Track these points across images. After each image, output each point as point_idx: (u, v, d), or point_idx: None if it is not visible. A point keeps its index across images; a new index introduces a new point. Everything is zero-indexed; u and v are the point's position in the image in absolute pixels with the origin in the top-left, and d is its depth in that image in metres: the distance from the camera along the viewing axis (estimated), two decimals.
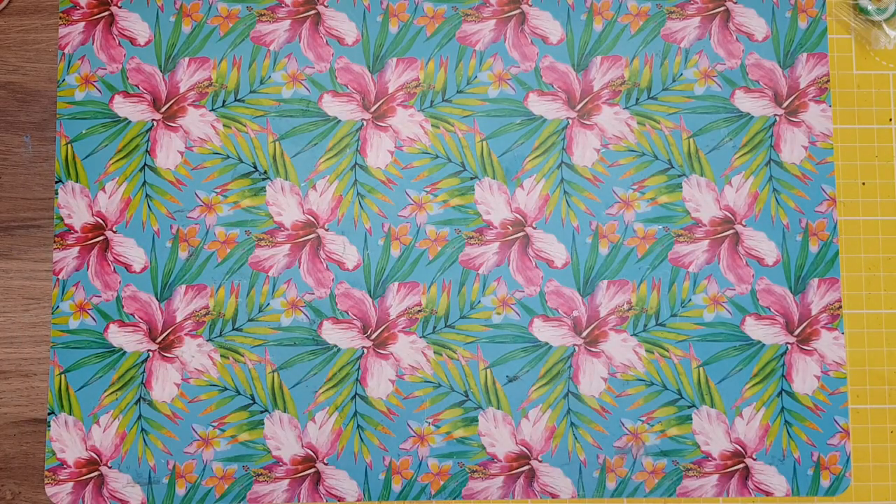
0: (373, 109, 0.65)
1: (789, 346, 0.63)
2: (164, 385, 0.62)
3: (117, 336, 0.62)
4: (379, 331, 0.63)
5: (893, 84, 0.66)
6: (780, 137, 0.65)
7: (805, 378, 0.63)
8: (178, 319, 0.63)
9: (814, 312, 0.63)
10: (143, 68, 0.65)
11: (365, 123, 0.64)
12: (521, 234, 0.64)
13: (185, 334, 0.62)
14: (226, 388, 0.62)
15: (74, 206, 0.63)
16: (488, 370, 0.63)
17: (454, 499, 0.62)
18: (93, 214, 0.63)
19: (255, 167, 0.64)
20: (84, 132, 0.64)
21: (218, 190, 0.64)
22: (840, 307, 0.63)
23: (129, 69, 0.65)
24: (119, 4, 0.65)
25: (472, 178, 0.64)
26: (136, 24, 0.65)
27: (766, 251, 0.64)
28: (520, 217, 0.64)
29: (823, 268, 0.64)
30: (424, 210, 0.64)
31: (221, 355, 0.62)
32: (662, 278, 0.63)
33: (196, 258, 0.63)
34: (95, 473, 0.61)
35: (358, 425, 0.62)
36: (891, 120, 0.66)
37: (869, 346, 0.64)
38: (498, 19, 0.66)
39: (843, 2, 0.67)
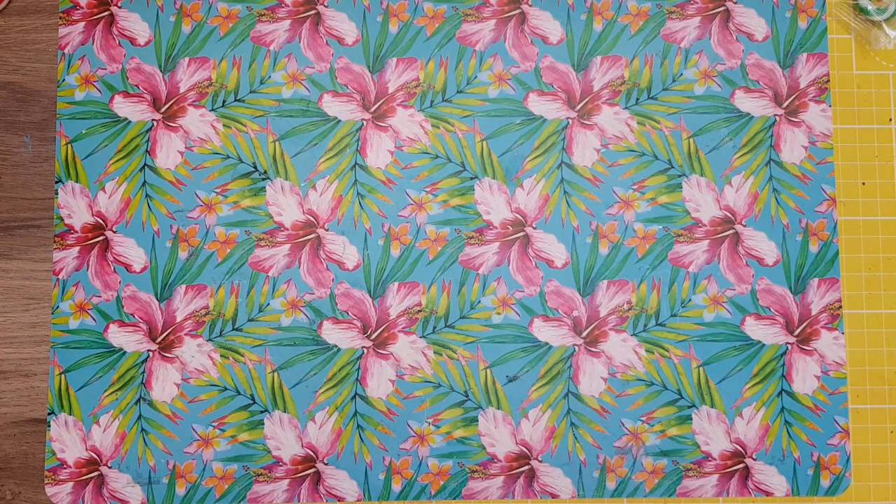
0: (373, 109, 0.65)
1: (789, 346, 0.63)
2: (164, 385, 0.62)
3: (117, 336, 0.62)
4: (379, 331, 0.63)
5: (893, 84, 0.66)
6: (780, 137, 0.65)
7: (805, 378, 0.63)
8: (178, 319, 0.63)
9: (814, 312, 0.63)
10: (143, 68, 0.65)
11: (365, 123, 0.64)
12: (521, 234, 0.64)
13: (185, 334, 0.62)
14: (226, 388, 0.62)
15: (74, 206, 0.63)
16: (488, 370, 0.63)
17: (454, 499, 0.62)
18: (93, 214, 0.63)
19: (255, 167, 0.64)
20: (84, 132, 0.64)
21: (218, 190, 0.64)
22: (840, 307, 0.63)
23: (129, 69, 0.65)
24: (119, 4, 0.65)
25: (472, 178, 0.64)
26: (136, 24, 0.65)
27: (766, 251, 0.64)
28: (520, 217, 0.64)
29: (823, 268, 0.64)
30: (424, 210, 0.64)
31: (221, 355, 0.62)
32: (662, 278, 0.63)
33: (196, 258, 0.63)
34: (95, 473, 0.61)
35: (358, 425, 0.62)
36: (891, 120, 0.66)
37: (869, 346, 0.64)
38: (498, 19, 0.66)
39: (843, 2, 0.67)
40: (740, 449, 0.62)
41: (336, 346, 0.63)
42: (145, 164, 0.64)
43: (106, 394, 0.62)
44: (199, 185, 0.64)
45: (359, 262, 0.63)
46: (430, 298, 0.63)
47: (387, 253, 0.63)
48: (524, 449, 0.62)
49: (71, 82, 0.64)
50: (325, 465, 0.62)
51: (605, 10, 0.66)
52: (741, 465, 0.62)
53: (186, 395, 0.62)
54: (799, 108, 0.65)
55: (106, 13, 0.65)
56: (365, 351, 0.63)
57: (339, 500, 0.62)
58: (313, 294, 0.63)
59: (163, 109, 0.64)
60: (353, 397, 0.62)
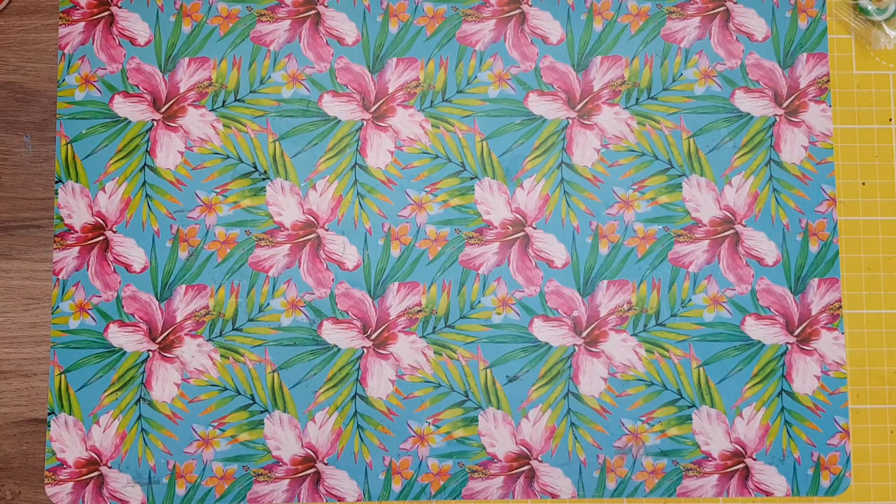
0: (373, 109, 0.65)
1: (789, 346, 0.63)
2: (164, 385, 0.62)
3: (117, 336, 0.62)
4: (379, 331, 0.63)
5: (893, 84, 0.66)
6: (780, 137, 0.65)
7: (805, 378, 0.63)
8: (178, 319, 0.63)
9: (814, 312, 0.63)
10: (143, 68, 0.65)
11: (365, 123, 0.64)
12: (521, 234, 0.64)
13: (185, 334, 0.62)
14: (226, 388, 0.62)
15: (74, 206, 0.63)
16: (488, 370, 0.63)
17: (454, 499, 0.62)
18: (93, 214, 0.63)
19: (255, 167, 0.64)
20: (84, 132, 0.64)
21: (218, 190, 0.64)
22: (840, 307, 0.63)
23: (129, 69, 0.65)
24: (119, 4, 0.65)
25: (472, 178, 0.64)
26: (136, 24, 0.65)
27: (766, 251, 0.64)
28: (520, 217, 0.64)
29: (823, 268, 0.64)
30: (424, 210, 0.64)
31: (221, 355, 0.62)
32: (662, 278, 0.63)
33: (196, 258, 0.63)
34: (95, 473, 0.61)
35: (358, 425, 0.62)
36: (891, 120, 0.66)
37: (869, 346, 0.64)
38: (498, 19, 0.66)
39: (843, 2, 0.67)
40: (740, 449, 0.62)
41: (336, 346, 0.63)
42: (145, 164, 0.64)
43: (106, 394, 0.62)
44: (199, 185, 0.64)
45: (359, 262, 0.63)
46: (430, 298, 0.63)
47: (387, 253, 0.63)
48: (524, 449, 0.62)
49: (71, 82, 0.64)
50: (325, 465, 0.62)
51: (605, 10, 0.66)
52: (741, 465, 0.62)
53: (186, 395, 0.62)
54: (799, 108, 0.65)
55: (106, 13, 0.65)
56: (365, 351, 0.63)
57: (339, 500, 0.62)
58: (313, 294, 0.63)
59: (163, 109, 0.64)
60: (353, 397, 0.62)
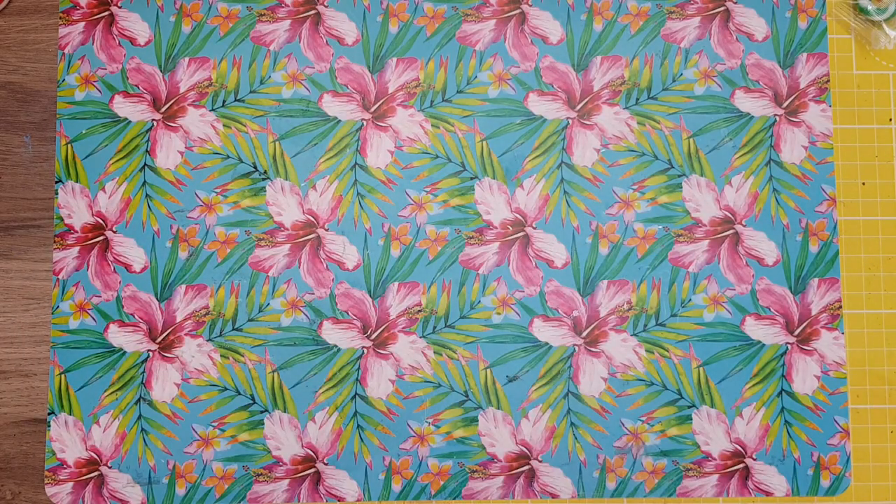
0: (373, 109, 0.65)
1: (789, 346, 0.63)
2: (164, 385, 0.62)
3: (117, 336, 0.62)
4: (379, 331, 0.63)
5: (893, 84, 0.66)
6: (780, 137, 0.65)
7: (805, 378, 0.63)
8: (178, 319, 0.63)
9: (814, 312, 0.63)
10: (143, 68, 0.65)
11: (365, 123, 0.64)
12: (521, 234, 0.64)
13: (185, 334, 0.62)
14: (226, 388, 0.62)
15: (74, 206, 0.63)
16: (488, 370, 0.63)
17: (454, 499, 0.62)
18: (93, 214, 0.63)
19: (255, 167, 0.64)
20: (84, 132, 0.64)
21: (218, 190, 0.64)
22: (840, 307, 0.63)
23: (129, 69, 0.65)
24: (119, 4, 0.65)
25: (472, 178, 0.64)
26: (136, 24, 0.65)
27: (766, 251, 0.64)
28: (520, 217, 0.64)
29: (823, 268, 0.64)
30: (424, 210, 0.64)
31: (221, 355, 0.62)
32: (662, 278, 0.63)
33: (196, 258, 0.63)
34: (95, 473, 0.61)
35: (358, 425, 0.62)
36: (891, 120, 0.66)
37: (869, 346, 0.64)
38: (498, 19, 0.66)
39: (843, 2, 0.67)
40: (740, 449, 0.62)
41: (336, 346, 0.63)
42: (145, 164, 0.64)
43: (106, 394, 0.62)
44: (199, 185, 0.64)
45: (359, 262, 0.63)
46: (430, 298, 0.63)
47: (387, 253, 0.63)
48: (524, 449, 0.62)
49: (71, 82, 0.64)
50: (325, 465, 0.62)
51: (605, 10, 0.66)
52: (741, 465, 0.62)
53: (186, 395, 0.62)
54: (799, 108, 0.65)
55: (106, 13, 0.65)
56: (365, 351, 0.63)
57: (339, 500, 0.62)
58: (313, 294, 0.63)
59: (163, 109, 0.64)
60: (353, 397, 0.62)
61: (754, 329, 0.63)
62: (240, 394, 0.62)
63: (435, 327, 0.63)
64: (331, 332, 0.63)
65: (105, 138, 0.64)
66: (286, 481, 0.62)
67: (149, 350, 0.62)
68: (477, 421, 0.62)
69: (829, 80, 0.65)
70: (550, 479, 0.62)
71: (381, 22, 0.65)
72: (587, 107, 0.65)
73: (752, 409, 0.63)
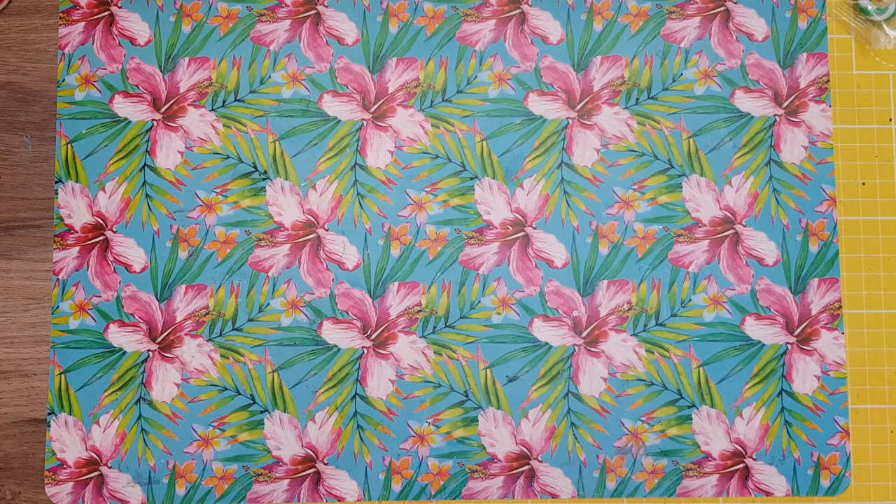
0: (373, 109, 0.65)
1: (789, 346, 0.63)
2: (164, 385, 0.62)
3: (117, 336, 0.62)
4: (379, 331, 0.63)
5: (893, 84, 0.66)
6: (780, 137, 0.65)
7: (805, 378, 0.63)
8: (178, 319, 0.63)
9: (814, 312, 0.63)
10: (143, 68, 0.65)
11: (365, 123, 0.64)
12: (521, 234, 0.64)
13: (185, 334, 0.62)
14: (226, 388, 0.62)
15: (74, 206, 0.63)
16: (488, 370, 0.63)
17: (454, 499, 0.62)
18: (93, 214, 0.63)
19: (255, 167, 0.64)
20: (84, 132, 0.64)
21: (218, 190, 0.64)
22: (840, 307, 0.63)
23: (129, 69, 0.65)
24: (119, 4, 0.65)
25: (472, 178, 0.64)
26: (136, 24, 0.65)
27: (766, 251, 0.64)
28: (520, 217, 0.64)
29: (823, 268, 0.64)
30: (424, 210, 0.64)
31: (221, 355, 0.62)
32: (662, 278, 0.63)
33: (196, 258, 0.63)
34: (95, 473, 0.61)
35: (358, 425, 0.62)
36: (891, 120, 0.66)
37: (869, 346, 0.64)
38: (498, 19, 0.66)
39: (843, 2, 0.67)
40: (740, 449, 0.62)
41: (336, 346, 0.63)
42: (145, 164, 0.64)
43: (106, 394, 0.62)
44: (199, 185, 0.64)
45: (359, 262, 0.63)
46: (430, 298, 0.63)
47: (387, 253, 0.63)
48: (524, 449, 0.62)
49: (71, 82, 0.64)
50: (325, 465, 0.62)
51: (605, 10, 0.66)
52: (741, 465, 0.62)
53: (186, 395, 0.62)
54: (799, 108, 0.65)
55: (106, 13, 0.65)
56: (365, 351, 0.63)
57: (339, 500, 0.62)
58: (313, 294, 0.63)
59: (163, 109, 0.64)
60: (353, 397, 0.62)
61: (754, 329, 0.63)
62: (240, 394, 0.62)
63: (435, 327, 0.63)
64: (331, 332, 0.63)
65: (105, 138, 0.64)
66: (286, 481, 0.62)
67: (149, 350, 0.62)
68: (477, 421, 0.62)
69: (829, 80, 0.65)
70: (550, 479, 0.62)
71: (381, 22, 0.65)
72: (587, 107, 0.65)
73: (752, 409, 0.63)
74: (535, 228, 0.64)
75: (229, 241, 0.63)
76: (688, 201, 0.64)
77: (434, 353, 0.63)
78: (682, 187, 0.64)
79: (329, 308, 0.63)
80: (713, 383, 0.63)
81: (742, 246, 0.64)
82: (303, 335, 0.63)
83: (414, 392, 0.62)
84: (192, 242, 0.63)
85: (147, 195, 0.63)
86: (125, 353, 0.62)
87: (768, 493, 0.62)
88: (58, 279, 0.63)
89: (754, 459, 0.62)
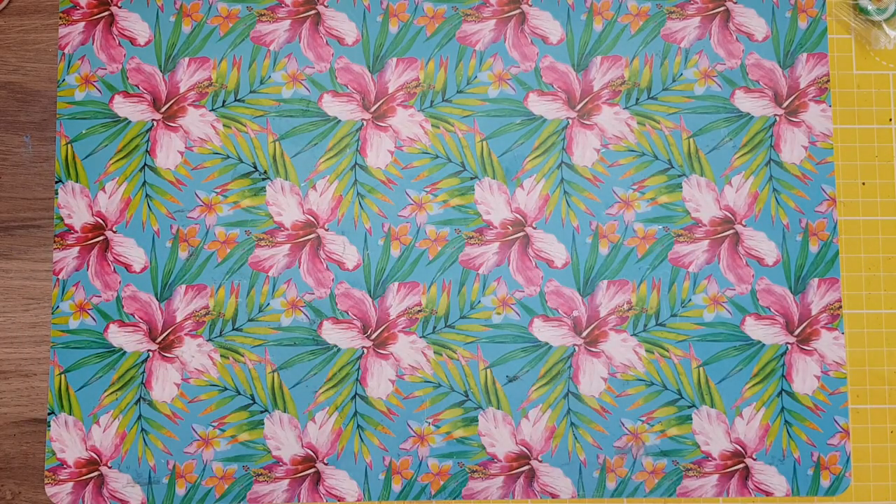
0: (373, 109, 0.65)
1: (789, 346, 0.63)
2: (164, 385, 0.62)
3: (117, 336, 0.62)
4: (379, 331, 0.63)
5: (893, 84, 0.66)
6: (780, 137, 0.65)
7: (805, 378, 0.63)
8: (178, 319, 0.63)
9: (814, 312, 0.63)
10: (143, 68, 0.65)
11: (365, 123, 0.64)
12: (521, 234, 0.64)
13: (185, 334, 0.62)
14: (226, 388, 0.62)
15: (74, 206, 0.63)
16: (488, 370, 0.63)
17: (454, 499, 0.62)
18: (93, 214, 0.63)
19: (255, 167, 0.64)
20: (84, 132, 0.64)
21: (218, 190, 0.64)
22: (840, 307, 0.63)
23: (129, 69, 0.65)
24: (119, 4, 0.65)
25: (472, 178, 0.64)
26: (136, 24, 0.65)
27: (766, 251, 0.64)
28: (520, 217, 0.64)
29: (823, 268, 0.64)
30: (424, 210, 0.64)
31: (221, 355, 0.62)
32: (662, 278, 0.63)
33: (196, 258, 0.63)
34: (95, 473, 0.61)
35: (358, 425, 0.62)
36: (891, 120, 0.66)
37: (869, 346, 0.64)
38: (498, 19, 0.66)
39: (843, 2, 0.67)
40: (740, 449, 0.62)
41: (336, 346, 0.63)
42: (145, 164, 0.64)
43: (106, 394, 0.62)
44: (199, 185, 0.64)
45: (359, 262, 0.63)
46: (430, 298, 0.63)
47: (387, 253, 0.63)
48: (524, 449, 0.62)
49: (71, 82, 0.64)
50: (325, 465, 0.62)
51: (605, 10, 0.66)
52: (741, 465, 0.62)
53: (186, 395, 0.62)
54: (799, 108, 0.65)
55: (106, 13, 0.65)
56: (365, 351, 0.63)
57: (339, 500, 0.62)
58: (313, 294, 0.63)
59: (163, 109, 0.64)
60: (353, 397, 0.62)
61: (754, 329, 0.63)
62: (240, 394, 0.62)
63: (435, 327, 0.63)
64: (331, 332, 0.63)
65: (105, 138, 0.64)
66: (286, 481, 0.62)
67: (149, 350, 0.62)
68: (477, 421, 0.62)
69: (829, 80, 0.65)
70: (550, 479, 0.62)
71: (381, 22, 0.65)
72: (587, 107, 0.65)
73: (752, 409, 0.63)
74: (535, 228, 0.64)
75: (229, 241, 0.63)
76: (688, 201, 0.64)
77: (434, 353, 0.63)
78: (682, 187, 0.64)
79: (329, 308, 0.63)
80: (713, 383, 0.63)
81: (742, 246, 0.64)
82: (303, 335, 0.63)
83: (414, 392, 0.62)
84: (192, 242, 0.63)
85: (147, 195, 0.63)
86: (125, 353, 0.62)
87: (768, 493, 0.62)
88: (58, 279, 0.63)
89: (754, 459, 0.62)
